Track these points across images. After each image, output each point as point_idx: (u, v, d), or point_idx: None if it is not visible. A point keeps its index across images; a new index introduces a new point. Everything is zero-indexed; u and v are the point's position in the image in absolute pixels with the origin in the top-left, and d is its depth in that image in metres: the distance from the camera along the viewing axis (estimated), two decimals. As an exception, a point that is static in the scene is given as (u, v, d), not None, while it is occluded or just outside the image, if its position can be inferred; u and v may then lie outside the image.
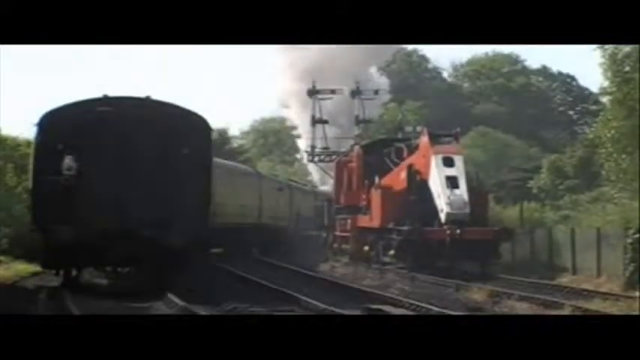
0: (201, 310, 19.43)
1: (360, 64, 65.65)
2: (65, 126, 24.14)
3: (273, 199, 48.39)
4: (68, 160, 23.66)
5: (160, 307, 21.03)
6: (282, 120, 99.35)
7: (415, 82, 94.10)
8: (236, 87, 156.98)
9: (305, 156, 57.37)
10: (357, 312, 19.61)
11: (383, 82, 72.97)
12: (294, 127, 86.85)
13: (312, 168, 60.91)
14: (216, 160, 41.70)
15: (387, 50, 75.01)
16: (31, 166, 24.94)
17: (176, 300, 21.16)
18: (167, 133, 24.32)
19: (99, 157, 23.93)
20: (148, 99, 25.09)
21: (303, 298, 22.04)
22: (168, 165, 24.08)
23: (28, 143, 42.25)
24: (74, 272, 25.48)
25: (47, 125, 24.32)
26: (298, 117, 69.12)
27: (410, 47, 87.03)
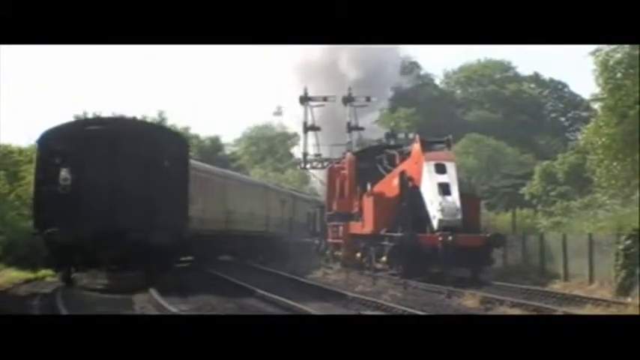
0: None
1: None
2: (62, 142, 27.66)
3: (279, 209, 51.89)
4: (64, 172, 27.20)
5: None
6: (274, 127, 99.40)
7: (407, 88, 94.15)
8: (228, 94, 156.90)
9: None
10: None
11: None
12: (286, 134, 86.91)
13: (315, 175, 61.09)
14: (228, 172, 48.30)
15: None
16: (32, 178, 28.80)
17: (163, 302, 21.71)
18: (150, 149, 27.93)
19: (91, 169, 27.41)
20: (134, 119, 29.85)
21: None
22: (151, 176, 27.50)
23: (20, 150, 42.24)
24: (72, 273, 28.35)
25: (46, 142, 28.16)
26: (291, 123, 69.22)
27: (402, 54, 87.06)
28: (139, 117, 67.06)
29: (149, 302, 23.37)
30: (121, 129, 28.57)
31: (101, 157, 27.47)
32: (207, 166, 43.02)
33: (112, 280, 28.85)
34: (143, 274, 27.53)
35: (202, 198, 35.73)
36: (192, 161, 37.62)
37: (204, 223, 36.20)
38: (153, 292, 24.31)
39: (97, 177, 27.27)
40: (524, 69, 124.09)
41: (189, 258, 38.82)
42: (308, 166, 53.47)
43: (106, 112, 66.94)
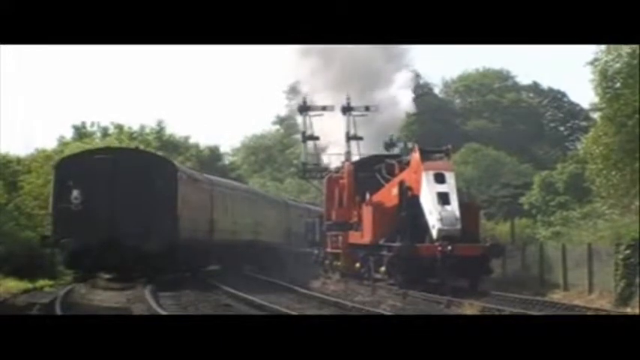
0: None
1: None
2: (74, 168, 33.65)
3: (297, 222, 56.18)
4: (75, 193, 32.69)
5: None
6: (273, 136, 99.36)
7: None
8: (227, 103, 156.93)
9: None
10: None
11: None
12: (285, 144, 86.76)
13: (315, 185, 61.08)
14: (256, 189, 58.28)
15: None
16: (50, 197, 34.37)
17: (161, 311, 21.77)
18: (145, 172, 33.54)
19: (97, 190, 32.88)
20: (134, 149, 38.21)
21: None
22: (146, 194, 32.84)
23: (18, 160, 42.22)
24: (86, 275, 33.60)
25: (61, 168, 34.22)
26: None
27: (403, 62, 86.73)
28: (137, 126, 67.79)
29: (148, 312, 23.36)
30: (122, 157, 34.72)
31: (106, 179, 32.92)
32: (236, 183, 52.54)
33: (116, 280, 33.69)
34: (142, 276, 32.42)
35: (230, 211, 43.18)
36: (225, 180, 48.07)
37: (236, 234, 43.52)
38: (152, 302, 24.46)
39: (102, 196, 32.71)
40: (523, 78, 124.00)
41: (217, 267, 43.97)
42: (307, 175, 53.26)
43: (105, 122, 67.38)
